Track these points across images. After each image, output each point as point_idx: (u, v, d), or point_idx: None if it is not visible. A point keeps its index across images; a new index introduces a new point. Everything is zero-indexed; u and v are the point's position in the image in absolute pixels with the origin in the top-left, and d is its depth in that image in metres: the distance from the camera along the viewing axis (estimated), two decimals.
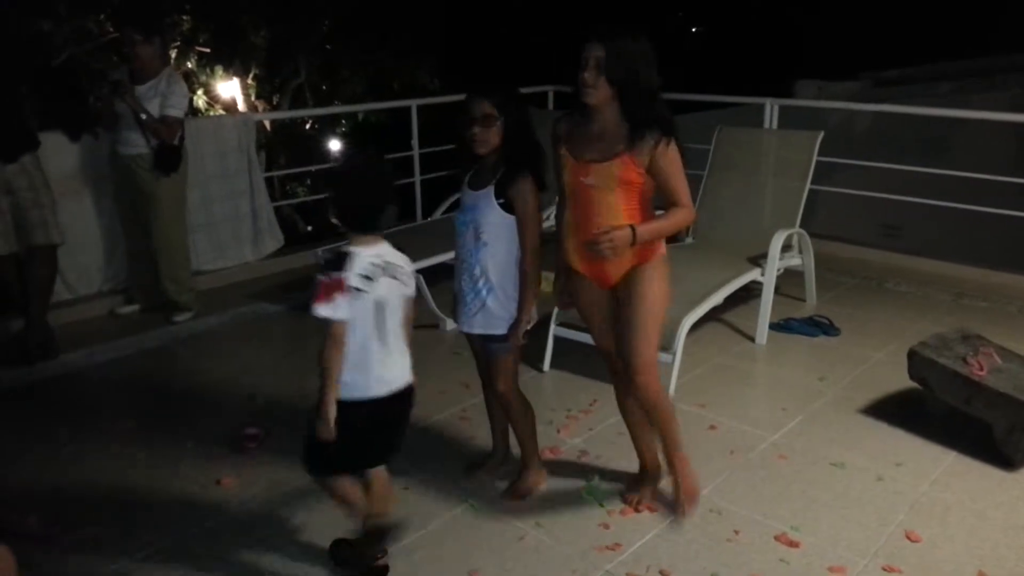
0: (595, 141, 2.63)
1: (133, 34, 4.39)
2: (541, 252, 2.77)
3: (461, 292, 2.88)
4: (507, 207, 2.72)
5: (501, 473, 3.15)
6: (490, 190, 2.73)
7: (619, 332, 2.76)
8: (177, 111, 4.46)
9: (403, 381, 2.48)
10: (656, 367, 2.76)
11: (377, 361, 2.39)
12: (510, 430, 3.11)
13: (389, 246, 2.45)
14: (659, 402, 2.78)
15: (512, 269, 2.79)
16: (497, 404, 3.07)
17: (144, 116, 4.38)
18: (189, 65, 7.65)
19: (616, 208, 2.61)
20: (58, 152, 4.74)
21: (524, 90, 3.07)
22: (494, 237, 2.75)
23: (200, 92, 7.99)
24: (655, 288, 2.70)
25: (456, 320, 2.97)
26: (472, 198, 2.79)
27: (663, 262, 2.75)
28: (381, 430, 2.51)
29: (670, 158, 2.57)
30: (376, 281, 2.34)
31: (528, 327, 2.83)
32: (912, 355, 3.54)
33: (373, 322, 2.36)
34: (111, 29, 6.51)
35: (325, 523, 2.86)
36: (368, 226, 2.39)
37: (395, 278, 2.40)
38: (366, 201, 2.38)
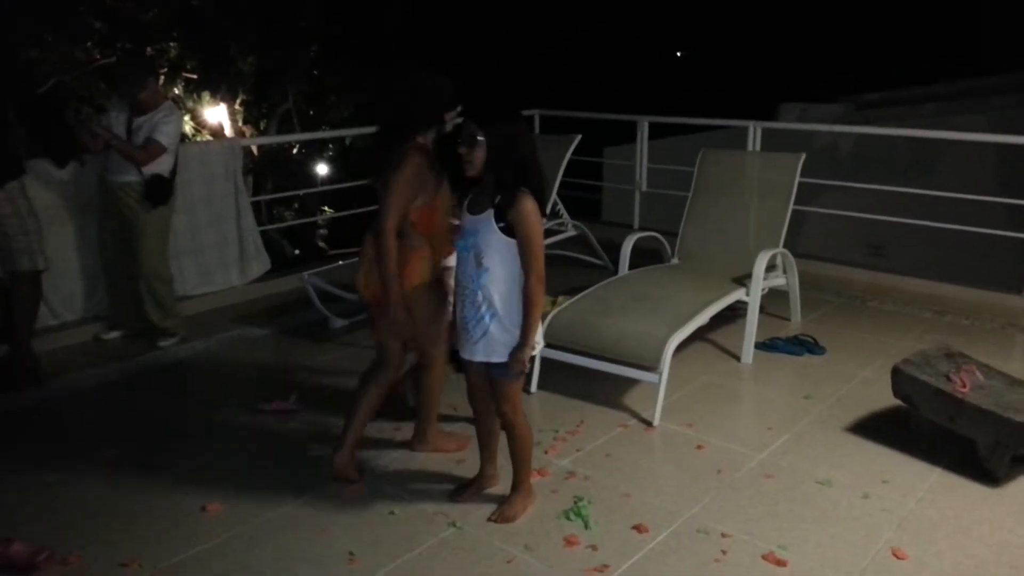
0: None
1: (138, 93, 4.48)
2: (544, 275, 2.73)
3: (464, 319, 2.83)
4: (508, 231, 2.69)
5: (488, 496, 3.14)
6: (490, 214, 2.70)
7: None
8: (164, 139, 4.46)
9: None
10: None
11: None
12: (498, 454, 3.11)
13: None
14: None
15: (515, 294, 2.74)
16: (485, 427, 3.07)
17: (115, 142, 4.42)
18: (176, 91, 7.69)
19: None
20: (45, 179, 4.75)
21: None
22: (496, 262, 2.71)
23: (187, 118, 8.01)
24: None
25: (457, 347, 2.94)
26: (472, 223, 2.76)
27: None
28: None
29: None
30: None
31: (533, 352, 2.80)
32: (896, 373, 3.57)
33: None
34: (98, 56, 6.54)
35: (311, 547, 2.85)
36: None
37: None
38: None
